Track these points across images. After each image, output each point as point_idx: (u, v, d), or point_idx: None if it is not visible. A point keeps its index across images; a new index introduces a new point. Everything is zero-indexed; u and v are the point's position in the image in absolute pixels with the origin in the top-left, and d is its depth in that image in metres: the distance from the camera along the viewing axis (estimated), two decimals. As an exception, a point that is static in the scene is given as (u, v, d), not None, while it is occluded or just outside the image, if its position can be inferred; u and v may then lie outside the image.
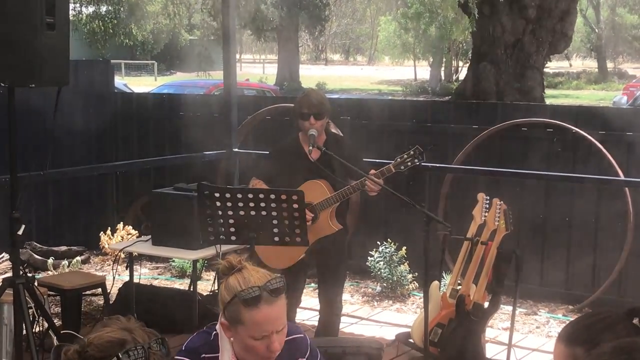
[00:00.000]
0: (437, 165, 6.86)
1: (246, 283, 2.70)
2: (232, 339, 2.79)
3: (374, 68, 53.43)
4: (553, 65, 38.66)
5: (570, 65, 48.94)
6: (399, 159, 4.88)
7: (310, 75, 41.14)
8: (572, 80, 40.25)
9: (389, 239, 7.50)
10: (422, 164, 5.02)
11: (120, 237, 8.10)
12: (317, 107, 4.98)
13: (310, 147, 4.94)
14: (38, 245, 8.28)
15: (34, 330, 4.84)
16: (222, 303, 2.75)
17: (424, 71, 42.05)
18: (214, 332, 2.87)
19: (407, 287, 7.39)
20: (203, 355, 2.84)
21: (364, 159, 5.37)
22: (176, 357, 2.82)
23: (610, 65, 45.91)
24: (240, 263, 2.78)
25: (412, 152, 4.86)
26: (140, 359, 1.97)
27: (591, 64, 48.20)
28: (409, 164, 4.86)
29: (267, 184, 5.00)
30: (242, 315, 2.69)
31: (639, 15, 45.52)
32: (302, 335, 2.99)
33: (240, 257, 2.83)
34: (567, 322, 6.70)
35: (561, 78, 40.76)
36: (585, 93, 35.38)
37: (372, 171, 4.89)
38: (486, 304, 5.44)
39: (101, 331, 2.05)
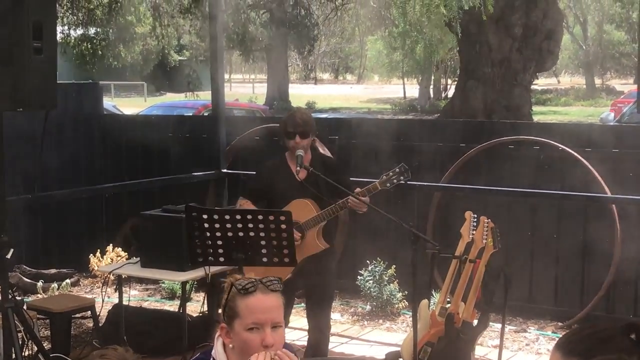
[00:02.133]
0: (425, 183, 6.89)
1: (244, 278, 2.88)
2: (231, 345, 2.82)
3: (363, 86, 53.58)
4: (542, 82, 38.93)
5: (559, 82, 49.22)
6: (384, 177, 4.91)
7: (300, 94, 41.23)
8: (561, 97, 40.46)
9: (378, 258, 7.51)
10: (410, 182, 5.06)
11: (110, 259, 8.10)
12: (302, 126, 5.03)
13: (298, 168, 4.96)
14: (27, 268, 8.26)
15: (23, 354, 4.84)
16: (222, 306, 2.88)
17: (413, 89, 42.20)
18: (211, 358, 2.88)
19: (396, 305, 7.40)
20: None
21: (353, 178, 5.40)
22: None
23: (598, 81, 46.19)
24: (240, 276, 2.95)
25: (397, 170, 4.90)
26: None
27: (579, 81, 48.48)
28: (395, 181, 4.89)
29: (254, 204, 5.02)
30: (238, 306, 2.80)
31: (625, 32, 45.80)
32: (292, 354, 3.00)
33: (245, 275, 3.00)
34: (557, 338, 6.70)
35: (550, 95, 40.98)
36: (573, 109, 35.56)
37: (357, 189, 4.92)
38: (475, 322, 5.46)
39: None
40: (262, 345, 2.75)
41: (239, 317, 2.79)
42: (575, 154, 6.97)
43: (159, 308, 7.64)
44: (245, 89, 47.46)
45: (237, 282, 2.84)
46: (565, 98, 40.06)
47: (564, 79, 52.21)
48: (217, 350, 2.87)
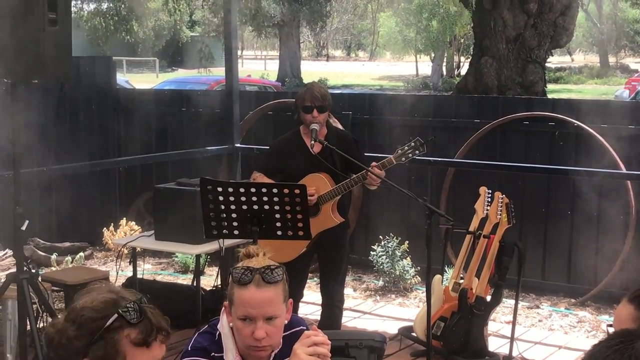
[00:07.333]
0: (439, 159, 6.87)
1: (245, 265, 2.77)
2: (231, 324, 2.81)
3: (376, 64, 53.38)
4: (555, 60, 38.66)
5: (573, 60, 48.94)
6: (399, 151, 4.89)
7: (311, 71, 41.10)
8: (574, 75, 40.21)
9: (391, 233, 7.51)
10: (425, 157, 5.03)
11: (124, 233, 8.12)
12: (320, 100, 5.00)
13: (313, 142, 4.94)
14: (41, 241, 8.30)
15: (38, 326, 4.86)
16: (228, 285, 2.83)
17: (425, 67, 42.00)
18: (218, 332, 2.88)
19: (409, 281, 7.40)
20: (213, 354, 2.83)
21: (366, 154, 5.38)
22: (185, 359, 2.82)
23: (612, 59, 45.86)
24: (256, 251, 2.84)
25: (412, 144, 4.87)
26: (136, 312, 2.10)
27: (593, 59, 48.15)
28: (410, 155, 4.86)
29: (268, 178, 5.02)
30: (234, 294, 2.75)
31: (640, 10, 45.40)
32: (304, 328, 2.99)
33: (259, 248, 2.89)
34: (570, 314, 6.68)
35: (563, 73, 40.73)
36: (587, 87, 35.34)
37: (373, 164, 4.90)
38: (488, 298, 5.46)
39: (89, 296, 2.14)
40: (253, 337, 2.72)
41: (234, 305, 2.75)
42: (591, 129, 6.93)
43: (172, 281, 7.67)
44: (257, 65, 47.37)
45: (235, 269, 2.74)
46: (579, 76, 39.82)
47: (578, 57, 51.89)
48: (223, 323, 2.87)
